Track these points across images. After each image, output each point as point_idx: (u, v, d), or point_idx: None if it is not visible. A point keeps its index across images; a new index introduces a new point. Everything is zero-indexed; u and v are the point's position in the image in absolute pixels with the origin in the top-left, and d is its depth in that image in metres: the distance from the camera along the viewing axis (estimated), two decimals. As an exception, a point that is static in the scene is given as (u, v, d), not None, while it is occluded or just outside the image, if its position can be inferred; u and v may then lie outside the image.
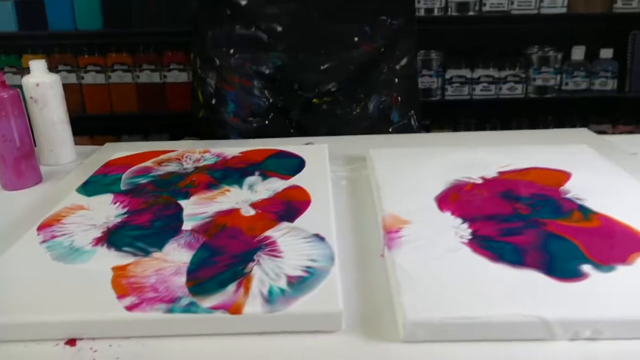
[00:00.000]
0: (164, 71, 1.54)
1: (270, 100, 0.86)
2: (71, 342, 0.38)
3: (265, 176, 0.60)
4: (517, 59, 1.56)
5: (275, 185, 0.58)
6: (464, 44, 1.57)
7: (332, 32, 0.82)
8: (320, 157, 0.66)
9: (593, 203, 0.52)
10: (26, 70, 1.62)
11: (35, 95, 0.69)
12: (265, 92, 0.86)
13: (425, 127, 1.65)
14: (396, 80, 0.90)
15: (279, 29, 0.81)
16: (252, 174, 0.61)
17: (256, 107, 0.87)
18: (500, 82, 1.57)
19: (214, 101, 0.89)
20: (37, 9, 1.58)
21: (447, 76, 1.60)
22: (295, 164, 0.64)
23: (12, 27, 1.61)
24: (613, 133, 1.57)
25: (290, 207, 0.53)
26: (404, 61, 0.90)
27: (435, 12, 1.56)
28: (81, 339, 0.38)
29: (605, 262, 0.42)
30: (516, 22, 1.53)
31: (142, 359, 0.36)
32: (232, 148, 0.70)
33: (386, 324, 0.39)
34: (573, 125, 1.56)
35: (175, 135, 1.54)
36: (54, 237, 0.49)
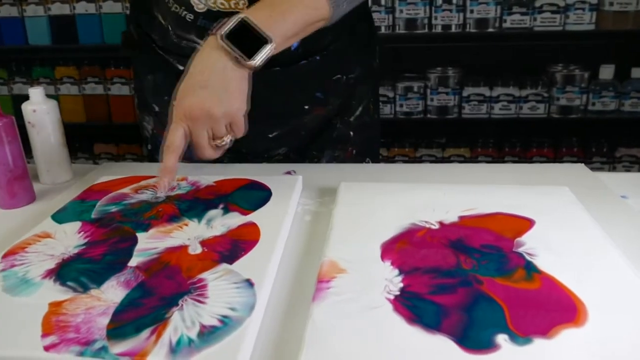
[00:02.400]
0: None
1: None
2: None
3: (227, 210, 0.61)
4: (539, 77, 1.49)
5: (232, 221, 0.59)
6: (482, 61, 1.52)
7: (279, 104, 0.77)
8: (289, 190, 0.65)
9: (543, 260, 0.49)
10: (58, 81, 1.72)
11: (33, 120, 0.74)
12: None
13: (442, 146, 1.62)
14: (351, 133, 0.83)
15: None
16: (216, 206, 0.62)
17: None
18: (521, 100, 1.51)
19: (149, 147, 0.88)
20: (69, 25, 1.69)
21: (465, 94, 1.55)
22: (260, 198, 0.64)
23: (46, 40, 1.72)
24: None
25: (237, 246, 0.54)
26: (359, 110, 0.83)
27: (453, 29, 1.52)
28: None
29: (523, 334, 0.40)
30: (539, 38, 1.47)
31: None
32: (209, 177, 0.71)
33: (285, 383, 0.39)
34: (600, 148, 1.48)
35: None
36: (12, 266, 0.52)
